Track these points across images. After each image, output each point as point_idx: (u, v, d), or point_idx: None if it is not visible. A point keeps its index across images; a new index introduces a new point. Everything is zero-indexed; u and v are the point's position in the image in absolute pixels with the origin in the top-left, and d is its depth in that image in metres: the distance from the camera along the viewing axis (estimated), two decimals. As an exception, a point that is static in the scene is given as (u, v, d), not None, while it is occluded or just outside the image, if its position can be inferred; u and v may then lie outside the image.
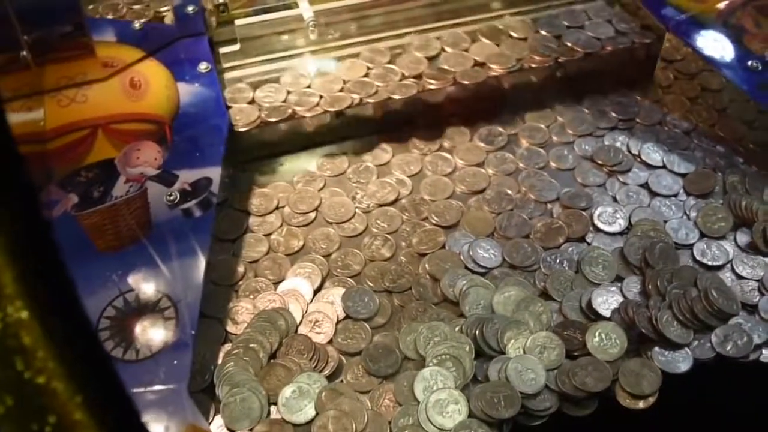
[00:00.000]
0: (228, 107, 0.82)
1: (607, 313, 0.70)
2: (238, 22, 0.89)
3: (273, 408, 0.64)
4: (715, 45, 0.87)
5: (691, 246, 0.77)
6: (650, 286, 0.71)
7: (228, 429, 0.63)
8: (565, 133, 0.89)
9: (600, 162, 0.85)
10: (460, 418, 0.62)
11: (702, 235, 0.78)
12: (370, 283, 0.74)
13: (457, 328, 0.69)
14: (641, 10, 0.95)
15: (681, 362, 0.67)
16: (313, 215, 0.80)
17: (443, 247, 0.77)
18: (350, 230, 0.79)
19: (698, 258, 0.75)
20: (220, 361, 0.67)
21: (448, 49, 0.92)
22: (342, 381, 0.67)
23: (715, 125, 0.90)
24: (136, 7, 0.94)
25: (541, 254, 0.76)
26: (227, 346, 0.68)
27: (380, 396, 0.65)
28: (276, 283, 0.74)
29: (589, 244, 0.77)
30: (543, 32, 0.94)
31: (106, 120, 0.76)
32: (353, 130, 0.88)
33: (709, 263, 0.75)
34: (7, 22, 0.74)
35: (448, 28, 0.95)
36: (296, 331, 0.69)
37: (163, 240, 0.68)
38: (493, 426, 0.62)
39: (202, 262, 0.66)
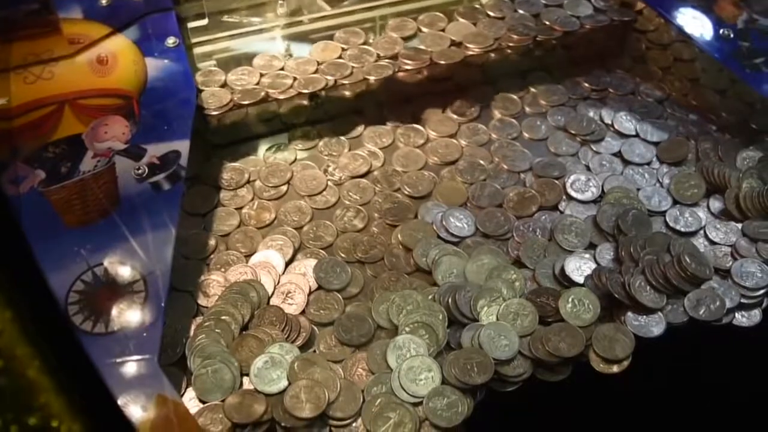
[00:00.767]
0: (200, 91, 0.81)
1: (580, 280, 0.70)
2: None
3: (245, 379, 0.63)
4: (687, 14, 0.87)
5: (664, 213, 0.77)
6: (623, 253, 0.71)
7: (200, 400, 0.62)
8: (538, 104, 0.89)
9: (573, 132, 0.85)
10: (434, 385, 0.62)
11: (675, 202, 0.78)
12: (343, 255, 0.73)
13: (430, 297, 0.68)
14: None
15: (654, 326, 0.67)
16: (284, 188, 0.80)
17: (415, 217, 0.76)
18: (322, 202, 0.78)
19: (671, 225, 0.76)
20: (191, 333, 0.66)
21: (424, 29, 0.91)
22: (315, 351, 0.66)
23: (688, 94, 0.91)
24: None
25: (514, 223, 0.76)
26: (199, 319, 0.68)
27: (353, 365, 0.65)
28: (247, 256, 0.73)
29: (562, 212, 0.77)
30: (521, 11, 0.94)
31: (73, 96, 0.75)
32: (328, 112, 0.88)
33: (682, 230, 0.75)
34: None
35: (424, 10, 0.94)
36: (268, 303, 0.69)
37: (132, 214, 0.67)
38: (466, 392, 0.62)
39: (171, 235, 0.66)
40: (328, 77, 0.84)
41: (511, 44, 0.89)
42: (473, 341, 0.65)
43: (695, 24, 0.86)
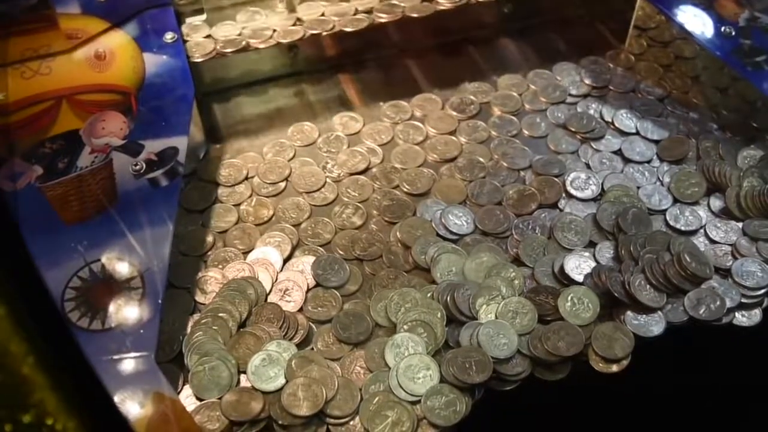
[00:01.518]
0: (185, 41, 0.84)
1: (579, 278, 0.69)
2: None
3: (243, 377, 0.63)
4: (688, 12, 0.87)
5: (664, 211, 0.76)
6: (623, 251, 0.71)
7: (197, 398, 0.62)
8: (538, 100, 0.89)
9: (573, 129, 0.85)
10: (432, 384, 0.62)
11: (675, 201, 0.77)
12: (341, 252, 0.73)
13: (428, 295, 0.68)
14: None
15: (654, 326, 0.66)
16: (282, 185, 0.79)
17: (414, 214, 0.76)
18: (320, 199, 0.78)
19: (671, 223, 0.75)
20: (188, 330, 0.66)
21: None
22: (312, 349, 0.66)
23: (689, 92, 0.90)
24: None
25: (514, 221, 0.75)
26: (196, 316, 0.67)
27: (351, 363, 0.64)
28: (245, 253, 0.73)
29: (561, 210, 0.77)
30: None
31: (71, 91, 0.75)
32: (309, 65, 0.90)
33: (683, 228, 0.75)
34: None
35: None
36: (266, 300, 0.69)
37: (130, 210, 0.67)
38: (464, 391, 0.62)
39: (169, 231, 0.65)
40: (307, 30, 0.87)
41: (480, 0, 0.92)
42: (472, 340, 0.64)
43: (696, 21, 0.86)
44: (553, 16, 0.98)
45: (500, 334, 0.64)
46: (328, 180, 0.80)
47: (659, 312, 0.67)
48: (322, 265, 0.71)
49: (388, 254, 0.73)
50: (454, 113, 0.87)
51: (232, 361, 0.63)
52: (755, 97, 0.87)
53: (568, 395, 0.69)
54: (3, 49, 0.77)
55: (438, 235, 0.74)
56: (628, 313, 0.67)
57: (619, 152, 0.83)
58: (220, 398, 0.61)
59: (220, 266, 0.71)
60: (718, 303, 0.68)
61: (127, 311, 0.61)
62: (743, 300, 0.69)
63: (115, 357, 0.58)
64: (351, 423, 0.61)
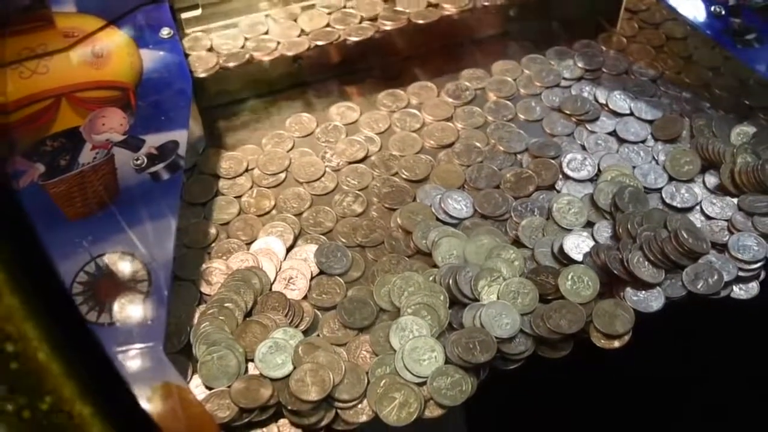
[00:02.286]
0: (187, 55, 0.83)
1: (578, 258, 0.70)
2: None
3: (251, 364, 0.64)
4: (678, -8, 0.87)
5: (660, 190, 0.77)
6: (621, 230, 0.71)
7: (206, 387, 0.63)
8: (532, 85, 0.90)
9: (568, 112, 0.86)
10: (437, 365, 0.63)
11: (671, 179, 0.78)
12: (343, 239, 0.74)
13: (431, 278, 0.69)
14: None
15: (653, 301, 0.67)
16: (283, 176, 0.80)
17: (414, 200, 0.77)
18: (321, 189, 0.79)
19: (667, 201, 0.76)
20: (195, 321, 0.67)
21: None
22: (318, 335, 0.67)
23: (681, 72, 0.91)
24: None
25: (512, 203, 0.76)
26: (202, 307, 0.68)
27: (357, 347, 0.65)
28: (248, 244, 0.74)
29: (558, 191, 0.78)
30: None
31: (69, 89, 0.75)
32: (313, 74, 0.89)
33: (679, 205, 0.76)
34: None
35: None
36: (270, 289, 0.69)
37: (133, 204, 0.67)
38: (469, 371, 0.63)
39: (172, 224, 0.66)
40: (312, 40, 0.87)
41: (486, 3, 0.91)
42: (475, 321, 0.65)
43: (686, 2, 0.86)
44: (547, 3, 0.99)
45: (503, 314, 0.65)
46: (327, 169, 0.80)
47: (658, 288, 0.68)
48: (324, 253, 0.72)
49: (390, 240, 0.73)
50: (450, 100, 0.88)
51: (239, 350, 0.64)
52: (747, 75, 0.88)
53: (571, 374, 0.70)
54: (0, 50, 0.78)
55: (438, 219, 0.75)
56: (628, 289, 0.68)
57: (614, 133, 0.84)
58: (229, 386, 0.62)
59: (224, 257, 0.72)
60: (715, 277, 0.69)
61: (134, 304, 0.62)
62: (740, 273, 0.70)
63: (124, 349, 0.59)
64: (359, 406, 0.62)
